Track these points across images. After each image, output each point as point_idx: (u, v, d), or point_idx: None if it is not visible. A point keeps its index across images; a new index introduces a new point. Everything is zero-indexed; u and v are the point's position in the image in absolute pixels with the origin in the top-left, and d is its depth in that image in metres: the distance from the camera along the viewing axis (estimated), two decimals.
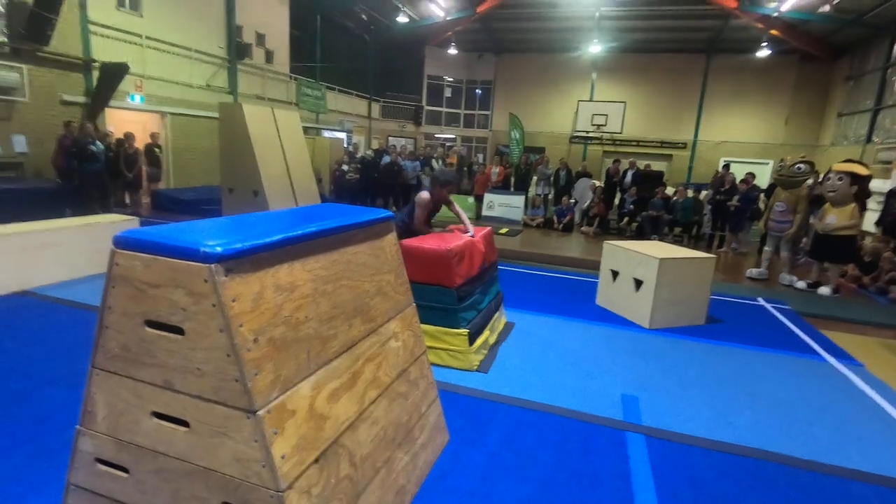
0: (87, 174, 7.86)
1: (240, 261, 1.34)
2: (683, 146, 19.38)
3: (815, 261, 6.33)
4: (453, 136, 22.27)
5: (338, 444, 1.59)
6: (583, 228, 10.26)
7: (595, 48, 18.16)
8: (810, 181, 7.08)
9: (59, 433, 2.32)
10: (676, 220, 9.71)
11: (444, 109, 22.42)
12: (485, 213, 11.12)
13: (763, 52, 16.52)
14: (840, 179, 5.90)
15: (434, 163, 12.53)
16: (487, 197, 11.29)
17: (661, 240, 8.54)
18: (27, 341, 3.38)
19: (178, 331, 1.36)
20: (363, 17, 18.03)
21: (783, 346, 4.23)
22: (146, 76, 10.44)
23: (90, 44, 9.23)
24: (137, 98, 10.31)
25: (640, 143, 19.47)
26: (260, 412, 1.31)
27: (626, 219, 10.26)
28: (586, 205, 10.58)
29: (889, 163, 11.82)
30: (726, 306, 5.27)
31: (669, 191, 10.36)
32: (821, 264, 6.29)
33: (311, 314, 1.58)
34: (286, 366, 1.44)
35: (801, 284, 6.33)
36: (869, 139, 13.59)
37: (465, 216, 3.99)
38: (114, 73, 9.03)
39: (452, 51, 20.01)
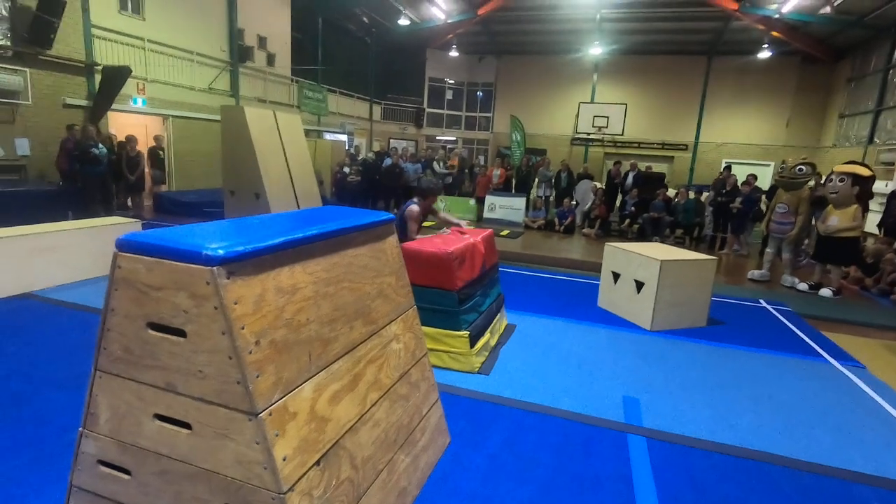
0: (90, 177, 7.89)
1: (242, 263, 1.35)
2: (685, 148, 19.38)
3: (819, 263, 6.32)
4: (454, 139, 22.29)
5: (339, 447, 1.59)
6: (584, 230, 10.26)
7: (596, 50, 18.19)
8: (812, 182, 7.07)
9: (60, 435, 2.33)
10: (678, 222, 9.71)
11: (446, 112, 22.45)
12: (486, 215, 11.13)
13: (764, 54, 16.53)
14: (842, 181, 5.89)
15: (435, 165, 12.53)
16: (489, 199, 11.30)
17: (662, 242, 8.54)
18: (29, 343, 3.39)
19: (181, 333, 1.36)
20: (364, 19, 18.09)
21: (785, 347, 4.22)
22: (148, 79, 10.48)
23: (93, 47, 9.27)
24: (140, 101, 10.34)
25: (642, 145, 19.47)
26: (262, 414, 1.32)
27: (627, 221, 10.25)
28: (587, 207, 10.58)
29: (891, 164, 11.81)
30: (728, 308, 5.26)
31: (671, 192, 10.36)
32: (823, 266, 6.28)
33: (313, 316, 1.58)
34: (288, 368, 1.45)
35: (802, 286, 6.32)
36: (871, 141, 13.57)
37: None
38: (116, 77, 9.07)
39: (453, 53, 20.05)
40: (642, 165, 11.76)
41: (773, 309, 5.40)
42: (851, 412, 3.11)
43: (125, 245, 1.41)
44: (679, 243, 9.21)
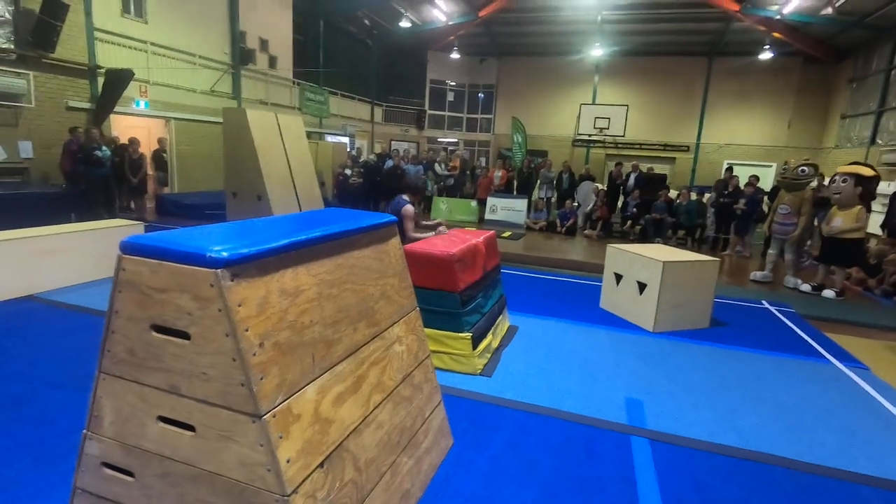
0: (93, 179, 7.92)
1: (245, 266, 1.35)
2: (686, 149, 19.36)
3: (823, 264, 6.30)
4: (456, 140, 22.30)
5: (343, 449, 1.59)
6: (586, 232, 10.25)
7: (597, 52, 18.19)
8: (814, 183, 7.06)
9: (64, 437, 2.33)
10: (680, 223, 9.70)
11: (447, 113, 22.47)
12: (488, 216, 11.14)
13: (765, 55, 16.50)
14: (844, 181, 5.88)
15: (437, 167, 12.55)
16: (490, 200, 11.31)
17: (664, 243, 8.52)
18: (32, 345, 3.40)
19: (185, 335, 1.36)
20: (366, 22, 18.12)
21: (788, 349, 4.21)
22: (151, 82, 10.51)
23: (95, 50, 9.30)
24: (142, 104, 10.38)
25: (643, 146, 19.45)
26: (265, 416, 1.32)
27: (629, 222, 10.25)
28: (589, 208, 10.58)
29: (893, 165, 11.79)
30: (730, 309, 5.25)
31: (673, 194, 10.35)
32: (827, 267, 6.26)
33: (316, 318, 1.58)
34: (291, 370, 1.45)
35: (805, 287, 6.30)
36: (873, 141, 13.54)
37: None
38: (119, 79, 9.10)
39: (455, 55, 20.07)
40: (644, 167, 11.75)
41: (776, 310, 5.39)
42: (855, 414, 3.10)
43: (129, 247, 1.41)
44: (681, 244, 9.20)
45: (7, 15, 7.93)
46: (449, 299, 3.19)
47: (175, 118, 11.25)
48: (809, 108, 17.65)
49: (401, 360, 2.07)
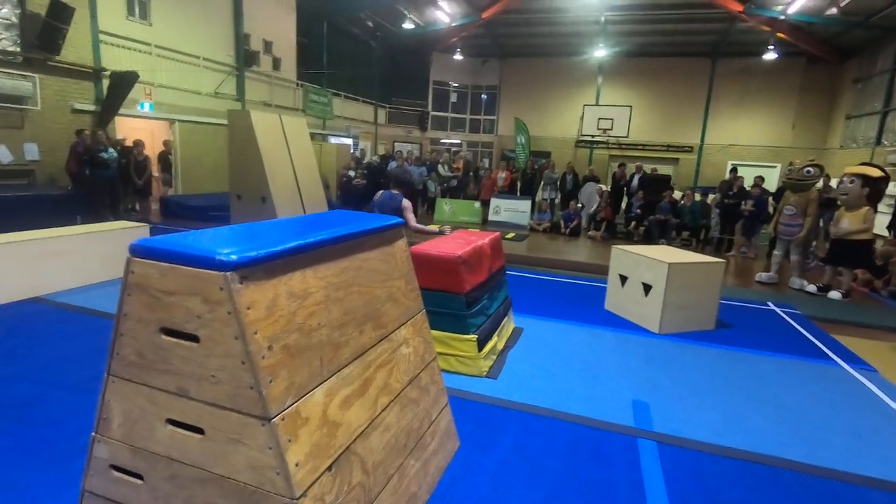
0: (99, 181, 7.96)
1: (254, 268, 1.35)
2: (690, 150, 19.32)
3: (831, 265, 6.28)
4: (459, 142, 22.32)
5: (350, 452, 1.59)
6: (590, 233, 10.23)
7: (600, 52, 18.18)
8: (820, 184, 7.03)
9: (72, 439, 2.34)
10: (684, 224, 9.67)
11: (450, 115, 22.50)
12: (491, 217, 11.14)
13: (769, 55, 16.46)
14: (851, 182, 5.85)
15: (440, 168, 12.55)
16: (494, 202, 11.30)
17: (668, 244, 8.50)
18: (39, 347, 3.42)
19: (194, 338, 1.37)
20: (369, 23, 18.16)
21: (794, 350, 4.19)
22: (155, 84, 10.56)
23: (100, 53, 9.35)
24: (147, 106, 10.42)
25: (647, 147, 19.43)
26: (275, 419, 1.32)
27: (633, 223, 10.22)
28: (593, 209, 10.56)
29: None
30: (736, 311, 5.23)
31: (677, 194, 10.32)
32: (835, 268, 6.23)
33: (324, 321, 1.58)
34: (299, 373, 1.45)
35: (811, 288, 6.27)
36: (878, 142, 13.49)
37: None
38: (124, 82, 9.14)
39: (458, 56, 20.10)
40: (648, 168, 11.73)
41: (782, 311, 5.36)
42: (863, 416, 3.08)
43: (139, 250, 1.41)
44: (685, 245, 9.18)
45: (14, 18, 7.98)
46: (454, 301, 3.19)
47: (179, 120, 11.29)
48: (814, 109, 17.59)
49: (407, 362, 2.07)
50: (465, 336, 3.21)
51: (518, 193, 11.95)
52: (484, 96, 22.35)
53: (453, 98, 22.39)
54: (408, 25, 17.00)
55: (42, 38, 8.08)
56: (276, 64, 14.73)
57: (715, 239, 9.55)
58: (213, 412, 1.38)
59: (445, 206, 11.59)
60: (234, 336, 1.31)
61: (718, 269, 4.56)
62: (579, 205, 10.63)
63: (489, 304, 3.59)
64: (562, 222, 10.46)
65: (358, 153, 16.09)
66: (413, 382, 2.09)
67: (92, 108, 9.28)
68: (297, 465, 1.35)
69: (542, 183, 11.99)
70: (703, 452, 2.57)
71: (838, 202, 6.38)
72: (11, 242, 4.33)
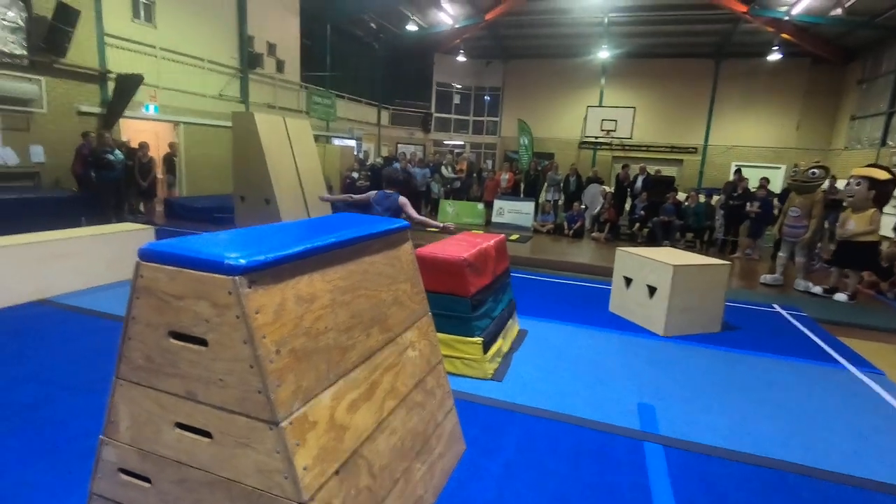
0: (105, 183, 7.99)
1: (262, 273, 1.35)
2: (694, 151, 19.27)
3: (837, 267, 6.25)
4: (462, 143, 22.32)
5: (357, 455, 1.59)
6: (593, 234, 10.22)
7: (603, 54, 18.17)
8: (825, 185, 7.00)
9: (78, 441, 2.35)
10: (688, 226, 9.65)
11: (453, 116, 22.51)
12: (495, 219, 11.14)
13: (773, 56, 16.41)
14: (858, 184, 5.83)
15: (444, 169, 12.56)
16: (497, 203, 11.30)
17: (672, 246, 8.49)
18: (46, 349, 3.43)
19: (202, 342, 1.37)
20: (372, 25, 18.19)
21: (801, 353, 4.17)
22: (160, 86, 10.60)
23: (106, 55, 9.40)
24: (152, 108, 10.47)
25: (650, 149, 19.39)
26: (283, 423, 1.32)
27: (637, 224, 10.20)
28: (597, 210, 10.54)
29: None
30: (741, 313, 5.21)
31: (681, 196, 10.30)
32: (841, 270, 6.20)
33: (331, 325, 1.59)
34: (307, 377, 1.45)
35: (817, 290, 6.24)
36: (883, 143, 13.43)
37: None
38: (129, 84, 9.19)
39: (461, 58, 20.11)
40: (651, 169, 11.72)
41: (788, 314, 5.34)
42: (872, 419, 3.06)
43: (147, 254, 1.42)
44: (690, 247, 9.15)
45: (20, 21, 8.03)
46: (460, 303, 3.18)
47: (184, 122, 11.33)
48: (818, 110, 17.52)
49: (414, 365, 2.07)
50: (470, 339, 3.21)
51: (521, 195, 11.94)
52: (487, 98, 22.36)
53: (456, 99, 22.40)
54: (411, 27, 17.03)
55: (48, 41, 8.13)
56: (280, 66, 14.78)
57: (719, 240, 9.52)
58: (221, 416, 1.38)
59: (449, 208, 11.60)
60: (242, 340, 1.31)
61: (724, 272, 4.54)
62: (583, 206, 10.62)
63: (494, 307, 3.59)
64: (565, 224, 10.45)
65: (361, 155, 16.13)
66: (419, 386, 2.08)
67: (97, 110, 9.32)
68: (305, 468, 1.35)
69: (546, 184, 11.98)
70: (710, 456, 2.56)
71: (844, 203, 6.36)
72: (18, 245, 4.35)
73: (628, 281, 4.82)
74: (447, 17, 17.00)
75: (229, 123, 7.96)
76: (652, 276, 4.48)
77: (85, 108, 9.09)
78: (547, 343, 4.03)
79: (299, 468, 1.33)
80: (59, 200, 7.43)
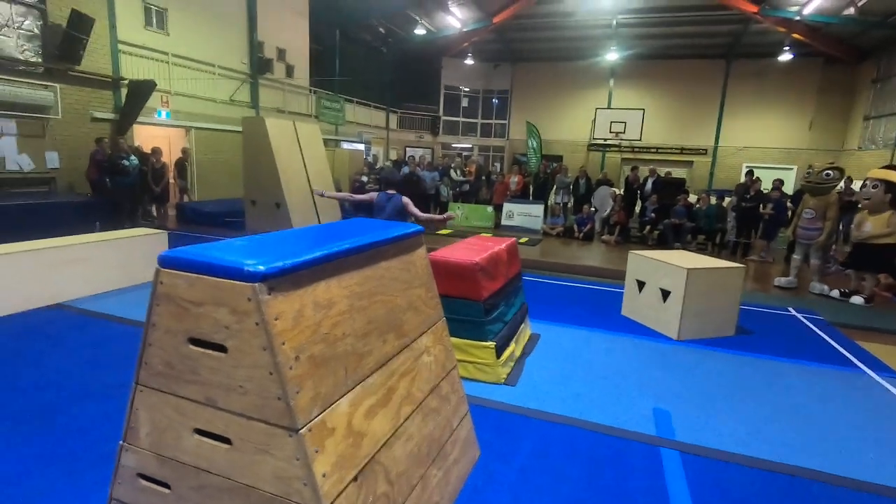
0: (119, 188, 8.09)
1: (281, 279, 1.36)
2: (704, 152, 19.13)
3: (853, 270, 6.15)
4: (470, 146, 22.34)
5: (375, 462, 1.58)
6: (604, 237, 10.16)
7: (612, 55, 18.11)
8: (840, 187, 6.90)
9: (95, 446, 2.36)
10: (700, 228, 9.56)
11: (461, 119, 22.55)
12: (504, 222, 11.11)
13: (785, 56, 16.26)
14: (875, 187, 5.74)
15: (452, 173, 12.56)
16: (506, 206, 11.28)
17: (684, 248, 8.42)
18: (62, 354, 3.46)
19: (222, 349, 1.37)
20: (381, 30, 18.29)
21: (818, 357, 4.11)
22: (172, 92, 10.73)
23: (119, 62, 9.53)
24: (164, 114, 10.59)
25: (660, 150, 19.28)
26: (302, 430, 1.32)
27: (647, 227, 10.12)
28: (607, 213, 10.48)
29: None
30: (756, 316, 5.14)
31: (692, 198, 10.21)
32: (859, 273, 6.11)
33: (348, 330, 1.58)
34: (325, 383, 1.45)
35: (834, 293, 6.15)
36: None
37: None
38: (142, 90, 9.30)
39: (469, 61, 20.14)
40: (661, 171, 11.62)
41: (803, 317, 5.27)
42: (893, 424, 3.00)
43: (167, 261, 1.42)
44: (701, 249, 9.06)
45: (36, 30, 8.17)
46: (472, 308, 3.17)
47: (195, 127, 11.45)
48: (831, 110, 17.33)
49: (429, 370, 2.06)
50: (483, 343, 3.20)
51: (530, 198, 11.91)
52: (495, 100, 22.37)
53: (464, 102, 22.44)
54: (419, 31, 17.08)
55: (63, 49, 8.26)
56: (290, 71, 14.89)
57: (731, 243, 9.42)
58: (240, 422, 1.38)
59: (458, 211, 11.59)
60: (261, 347, 1.31)
61: (738, 275, 4.49)
62: (592, 209, 10.56)
63: (506, 311, 3.57)
64: (575, 226, 10.40)
65: (370, 158, 16.19)
66: (434, 391, 2.08)
67: (111, 116, 9.45)
68: (323, 475, 1.35)
69: (555, 187, 11.93)
70: (728, 462, 2.52)
71: (859, 206, 6.26)
72: (34, 250, 4.40)
73: (641, 284, 4.78)
74: (455, 20, 17.04)
75: (240, 128, 8.01)
76: (665, 280, 4.44)
77: (99, 115, 9.22)
78: (559, 347, 4.01)
79: (318, 475, 1.33)
80: (74, 205, 7.53)
